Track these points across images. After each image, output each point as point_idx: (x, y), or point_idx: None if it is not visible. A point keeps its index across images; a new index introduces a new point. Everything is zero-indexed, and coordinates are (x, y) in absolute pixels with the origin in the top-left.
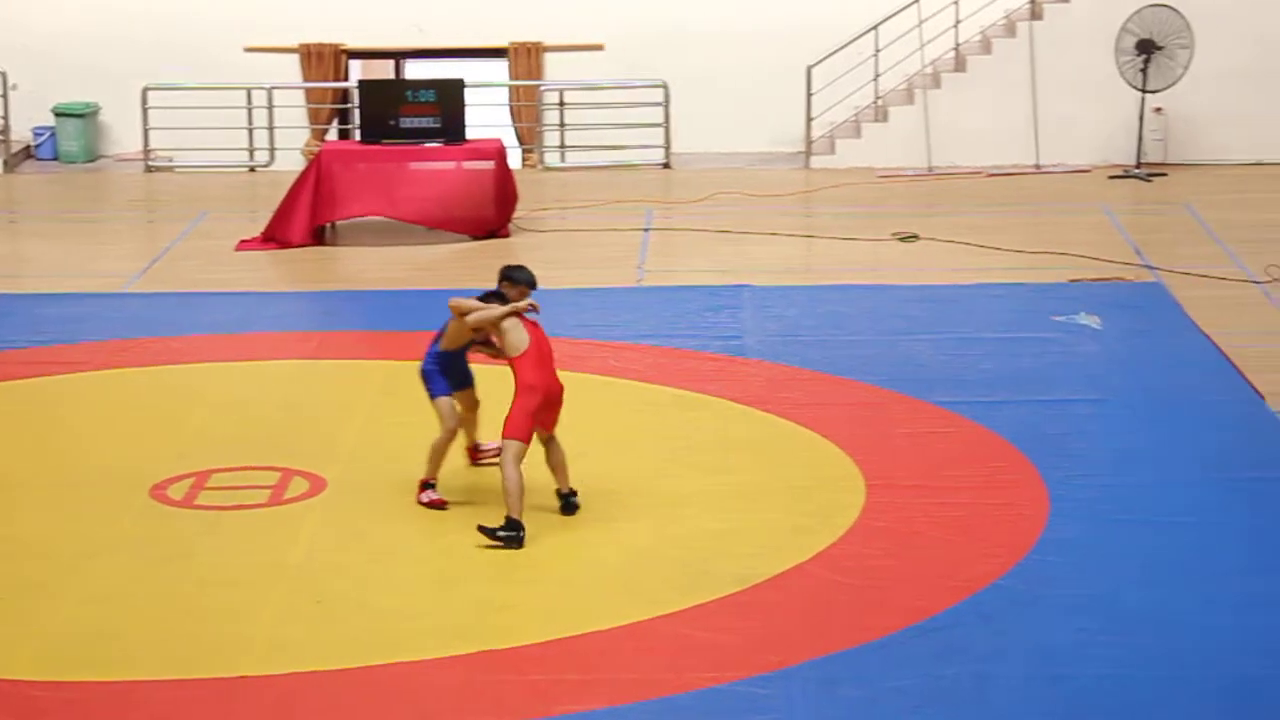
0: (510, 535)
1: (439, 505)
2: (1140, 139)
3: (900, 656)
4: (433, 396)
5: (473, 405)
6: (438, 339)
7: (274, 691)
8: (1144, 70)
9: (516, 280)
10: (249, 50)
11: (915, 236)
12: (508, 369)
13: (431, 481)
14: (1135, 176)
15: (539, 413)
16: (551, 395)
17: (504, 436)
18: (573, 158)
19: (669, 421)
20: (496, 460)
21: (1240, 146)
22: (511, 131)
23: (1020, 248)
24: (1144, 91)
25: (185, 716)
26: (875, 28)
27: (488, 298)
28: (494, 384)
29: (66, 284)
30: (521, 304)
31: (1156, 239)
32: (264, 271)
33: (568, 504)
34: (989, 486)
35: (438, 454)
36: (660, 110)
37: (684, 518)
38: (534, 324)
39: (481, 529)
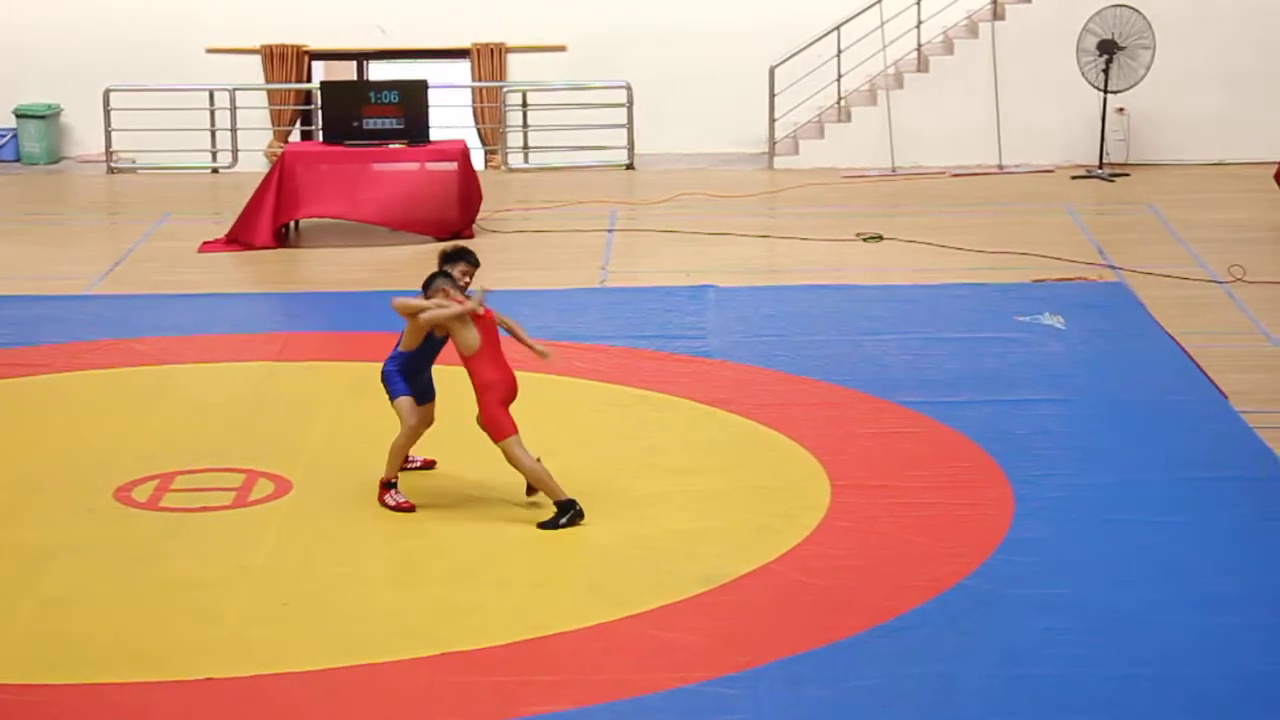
0: (569, 515)
1: (406, 508)
2: (1103, 139)
3: (866, 656)
4: (393, 397)
5: (427, 421)
6: (400, 341)
7: (240, 693)
8: (1106, 71)
9: (458, 259)
10: (211, 51)
11: (879, 237)
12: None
13: (393, 482)
14: (1098, 177)
15: (506, 403)
16: (510, 389)
17: (496, 441)
18: (536, 159)
19: (634, 422)
20: (420, 468)
21: (1202, 147)
22: (475, 133)
23: (984, 248)
24: (1106, 92)
25: (150, 718)
26: (838, 28)
27: (433, 279)
28: (460, 386)
29: (27, 286)
30: (471, 304)
31: (1119, 239)
32: (227, 273)
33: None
34: (954, 487)
35: (398, 454)
36: (624, 111)
37: (650, 518)
38: (480, 316)
39: (543, 526)
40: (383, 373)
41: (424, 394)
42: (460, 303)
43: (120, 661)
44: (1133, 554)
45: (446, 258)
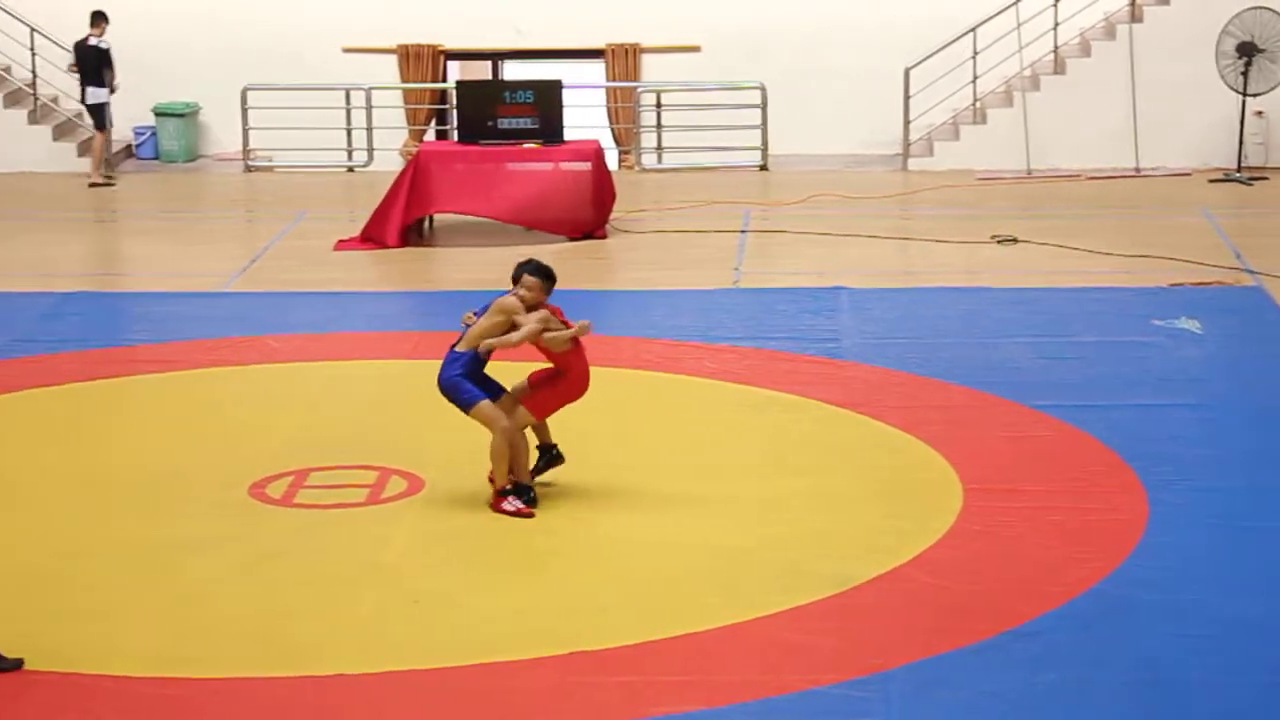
0: (528, 499)
1: (526, 514)
2: (1241, 142)
3: (997, 661)
4: (468, 406)
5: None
6: (460, 342)
7: (369, 690)
8: (1245, 73)
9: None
10: (347, 51)
11: (1014, 239)
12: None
13: (507, 489)
14: (1236, 180)
15: (566, 401)
16: (584, 387)
17: (526, 406)
18: (670, 159)
19: (765, 423)
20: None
21: None
22: (608, 133)
23: (1119, 251)
24: (1245, 94)
25: (283, 712)
26: (974, 29)
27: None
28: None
29: (166, 283)
30: (580, 329)
31: (1257, 243)
32: (362, 271)
33: (553, 458)
34: (1087, 491)
35: (503, 459)
36: (758, 112)
37: (780, 519)
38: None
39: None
40: (445, 382)
41: (495, 391)
42: (566, 326)
43: (254, 656)
44: (1270, 560)
45: (540, 272)
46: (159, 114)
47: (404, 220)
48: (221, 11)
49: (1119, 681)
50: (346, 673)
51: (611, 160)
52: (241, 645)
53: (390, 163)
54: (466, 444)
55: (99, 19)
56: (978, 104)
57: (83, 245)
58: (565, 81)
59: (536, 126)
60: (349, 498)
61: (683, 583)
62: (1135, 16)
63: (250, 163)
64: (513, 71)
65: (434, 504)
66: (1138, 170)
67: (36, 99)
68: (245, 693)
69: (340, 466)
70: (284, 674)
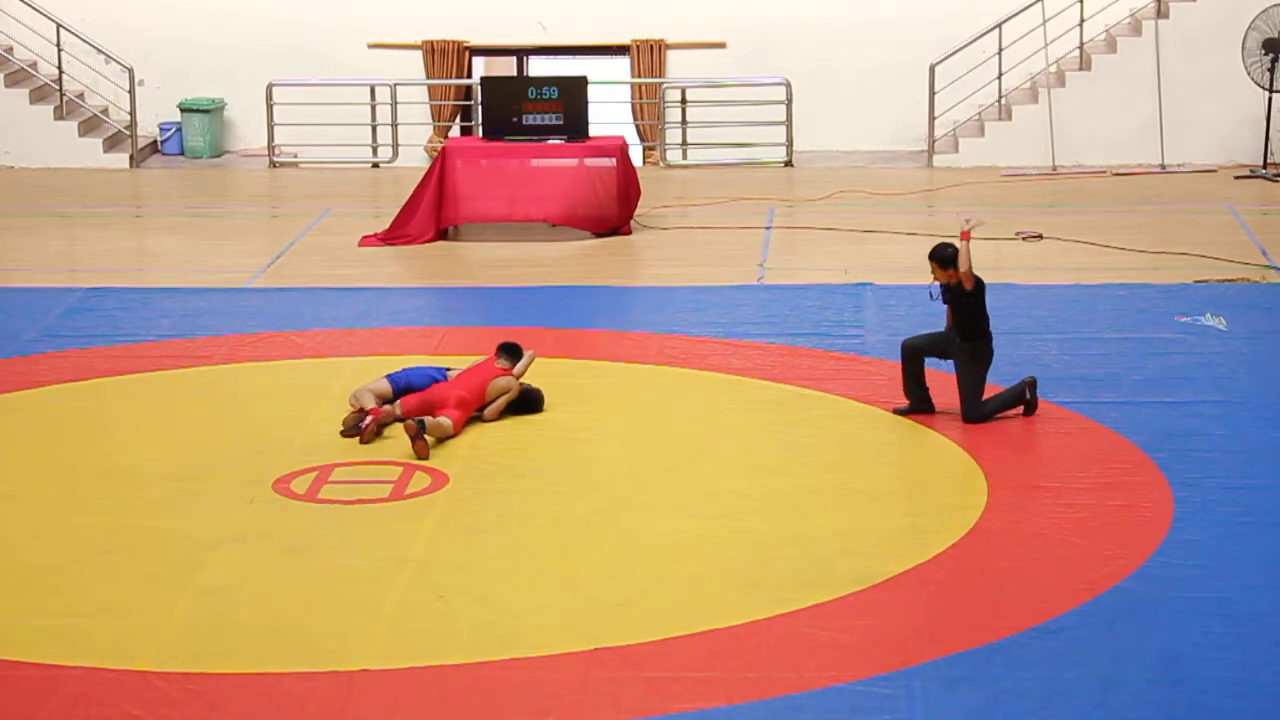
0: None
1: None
2: (1267, 138)
3: (1022, 658)
4: None
5: None
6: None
7: (393, 685)
8: (1271, 69)
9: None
10: (372, 47)
11: (1039, 236)
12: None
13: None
14: (1262, 176)
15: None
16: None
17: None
18: (695, 155)
19: (790, 419)
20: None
21: None
22: (633, 129)
23: (1145, 248)
24: (1271, 91)
25: (307, 707)
26: (999, 25)
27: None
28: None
29: (190, 279)
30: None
31: None
32: (386, 267)
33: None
34: (1112, 488)
35: None
36: (782, 108)
37: (804, 516)
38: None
39: None
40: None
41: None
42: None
43: (278, 651)
44: None
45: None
46: (184, 110)
47: (434, 221)
48: (247, 8)
49: (1142, 679)
50: (370, 668)
51: (636, 156)
52: (265, 641)
53: (416, 159)
54: (490, 439)
55: None
56: (1003, 100)
57: (108, 241)
58: (590, 78)
59: (561, 123)
60: (373, 493)
61: (705, 579)
62: (1161, 13)
63: (275, 159)
64: (538, 68)
65: (457, 500)
66: (1163, 166)
67: (63, 95)
68: (269, 688)
69: (365, 462)
70: (307, 669)
